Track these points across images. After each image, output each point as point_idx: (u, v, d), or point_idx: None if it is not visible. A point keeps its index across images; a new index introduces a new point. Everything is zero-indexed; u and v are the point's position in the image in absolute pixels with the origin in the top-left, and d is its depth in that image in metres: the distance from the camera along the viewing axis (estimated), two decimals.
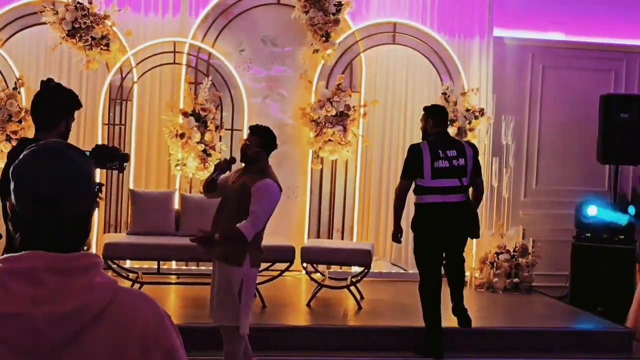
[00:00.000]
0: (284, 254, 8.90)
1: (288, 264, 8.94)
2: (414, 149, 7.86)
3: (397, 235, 8.03)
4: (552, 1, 11.08)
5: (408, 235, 10.53)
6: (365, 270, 9.06)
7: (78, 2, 9.76)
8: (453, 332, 8.16)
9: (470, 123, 10.27)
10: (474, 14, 10.82)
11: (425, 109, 8.16)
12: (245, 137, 6.51)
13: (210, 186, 6.57)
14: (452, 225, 7.75)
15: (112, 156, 5.23)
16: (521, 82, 11.19)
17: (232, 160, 6.65)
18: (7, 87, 9.72)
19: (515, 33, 11.09)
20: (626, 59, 11.40)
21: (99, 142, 9.94)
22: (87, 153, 5.28)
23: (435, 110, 8.13)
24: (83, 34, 9.75)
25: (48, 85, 4.92)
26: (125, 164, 5.26)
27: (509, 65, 11.11)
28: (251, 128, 6.47)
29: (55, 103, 4.87)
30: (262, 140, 6.34)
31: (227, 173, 6.58)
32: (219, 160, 6.48)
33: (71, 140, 9.99)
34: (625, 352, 8.28)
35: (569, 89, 11.22)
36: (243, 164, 6.45)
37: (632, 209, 10.34)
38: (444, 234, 7.78)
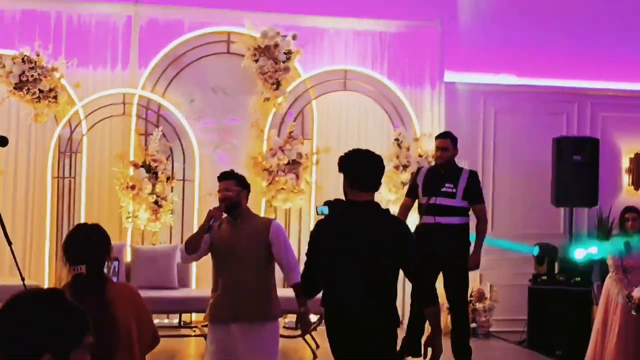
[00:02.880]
0: None
1: None
2: None
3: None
4: (503, 44, 11.14)
5: None
6: (320, 318, 8.93)
7: (25, 55, 9.67)
8: None
9: None
10: (425, 60, 10.85)
11: (450, 135, 8.56)
12: (219, 188, 6.14)
13: (198, 242, 5.98)
14: None
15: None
16: (474, 126, 11.20)
17: (231, 204, 6.09)
18: None
19: (467, 77, 11.11)
20: (577, 101, 11.46)
21: (49, 196, 9.82)
22: (326, 209, 5.27)
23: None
24: (31, 87, 9.66)
25: (369, 153, 5.17)
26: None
27: (461, 109, 11.12)
28: (222, 175, 6.21)
29: (379, 168, 5.13)
30: (237, 180, 6.17)
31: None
32: (212, 208, 6.10)
33: (19, 194, 9.88)
34: None
35: (522, 132, 11.23)
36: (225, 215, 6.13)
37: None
38: None
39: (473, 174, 8.44)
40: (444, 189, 8.24)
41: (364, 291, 4.87)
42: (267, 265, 6.12)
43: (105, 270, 4.35)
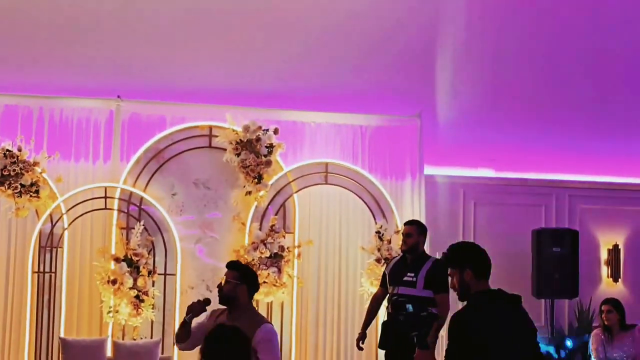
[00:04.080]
0: None
1: None
2: None
3: None
4: (481, 139, 11.28)
5: None
6: None
7: (7, 150, 9.69)
8: None
9: None
10: (405, 153, 10.95)
11: (416, 222, 8.64)
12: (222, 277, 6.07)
13: (182, 333, 5.90)
14: None
15: None
16: (453, 217, 11.29)
17: (207, 301, 6.02)
18: None
19: (446, 170, 11.24)
20: (555, 193, 11.60)
21: (29, 291, 9.74)
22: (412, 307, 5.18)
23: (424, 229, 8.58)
24: (12, 182, 9.66)
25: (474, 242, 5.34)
26: None
27: (441, 202, 11.23)
28: (228, 264, 6.12)
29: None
30: (240, 272, 5.99)
31: (204, 318, 6.10)
32: (192, 302, 6.11)
33: None
34: None
35: (501, 224, 11.34)
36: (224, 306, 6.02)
37: (569, 342, 10.30)
38: None
39: (437, 262, 8.32)
40: (405, 278, 8.18)
41: None
42: None
43: None
